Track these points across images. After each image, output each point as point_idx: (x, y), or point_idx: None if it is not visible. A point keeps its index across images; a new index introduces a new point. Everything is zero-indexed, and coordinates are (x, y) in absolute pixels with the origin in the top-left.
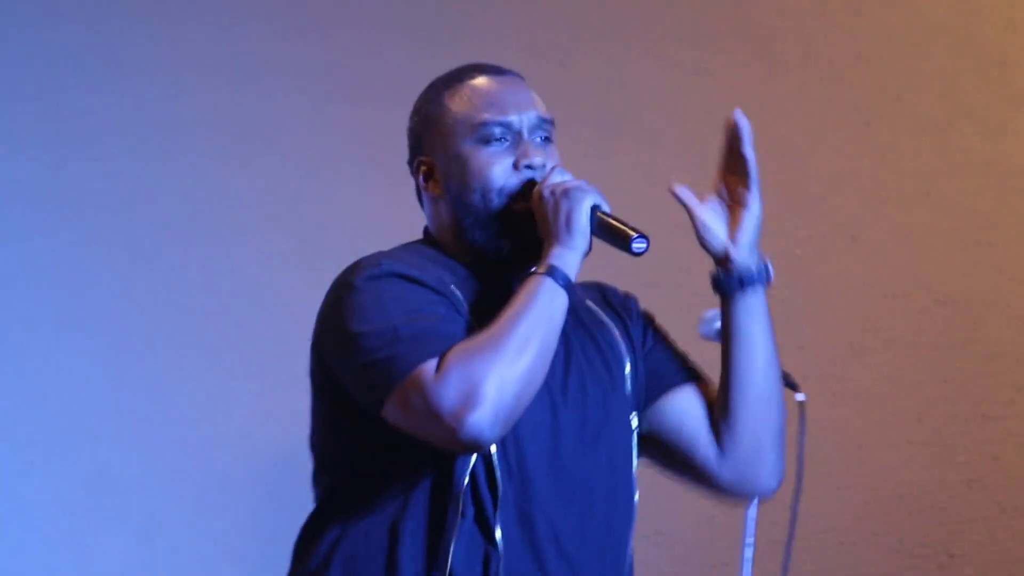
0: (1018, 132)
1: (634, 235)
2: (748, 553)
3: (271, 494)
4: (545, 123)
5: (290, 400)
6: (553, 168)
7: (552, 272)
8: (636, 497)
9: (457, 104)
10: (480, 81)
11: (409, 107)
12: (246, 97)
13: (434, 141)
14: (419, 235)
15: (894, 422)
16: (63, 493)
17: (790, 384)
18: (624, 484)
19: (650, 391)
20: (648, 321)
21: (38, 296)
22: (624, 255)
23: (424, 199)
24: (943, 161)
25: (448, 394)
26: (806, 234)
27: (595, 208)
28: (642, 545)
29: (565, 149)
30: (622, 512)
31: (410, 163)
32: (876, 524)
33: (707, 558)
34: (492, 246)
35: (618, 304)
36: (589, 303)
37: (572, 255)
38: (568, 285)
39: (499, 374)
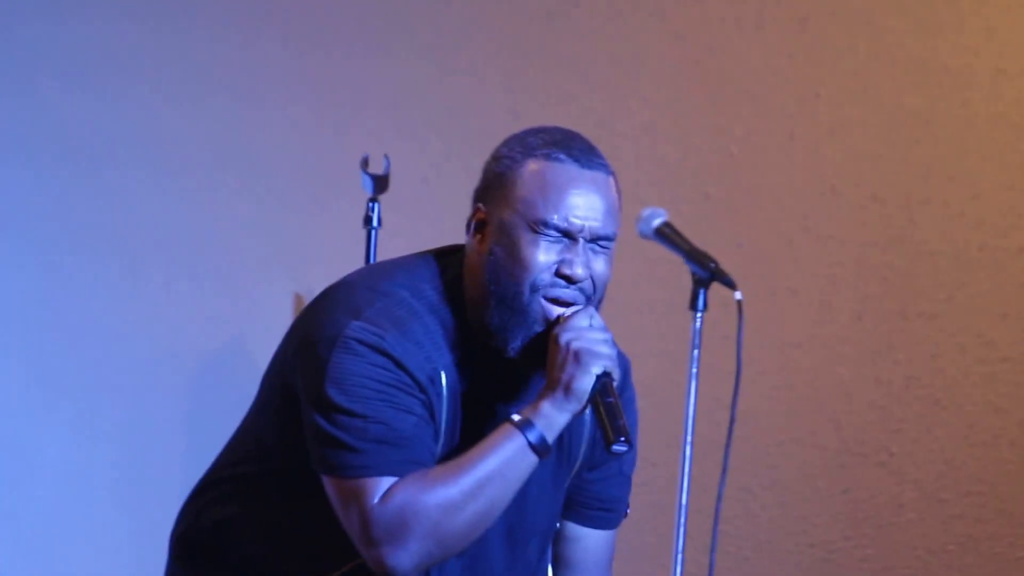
0: (952, 29)
1: (616, 438)
2: (687, 451)
3: (207, 394)
4: (604, 239)
5: (223, 307)
6: (580, 309)
7: (528, 428)
8: None
9: (531, 182)
10: (562, 170)
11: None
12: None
13: (497, 201)
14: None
15: (832, 320)
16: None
17: (727, 282)
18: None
19: (575, 500)
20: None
21: None
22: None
23: (469, 240)
24: (878, 58)
25: (380, 526)
26: (743, 132)
27: (601, 376)
28: None
29: None
30: None
31: (474, 195)
32: (815, 423)
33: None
34: (502, 336)
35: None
36: None
37: (560, 416)
38: (542, 445)
39: (434, 524)
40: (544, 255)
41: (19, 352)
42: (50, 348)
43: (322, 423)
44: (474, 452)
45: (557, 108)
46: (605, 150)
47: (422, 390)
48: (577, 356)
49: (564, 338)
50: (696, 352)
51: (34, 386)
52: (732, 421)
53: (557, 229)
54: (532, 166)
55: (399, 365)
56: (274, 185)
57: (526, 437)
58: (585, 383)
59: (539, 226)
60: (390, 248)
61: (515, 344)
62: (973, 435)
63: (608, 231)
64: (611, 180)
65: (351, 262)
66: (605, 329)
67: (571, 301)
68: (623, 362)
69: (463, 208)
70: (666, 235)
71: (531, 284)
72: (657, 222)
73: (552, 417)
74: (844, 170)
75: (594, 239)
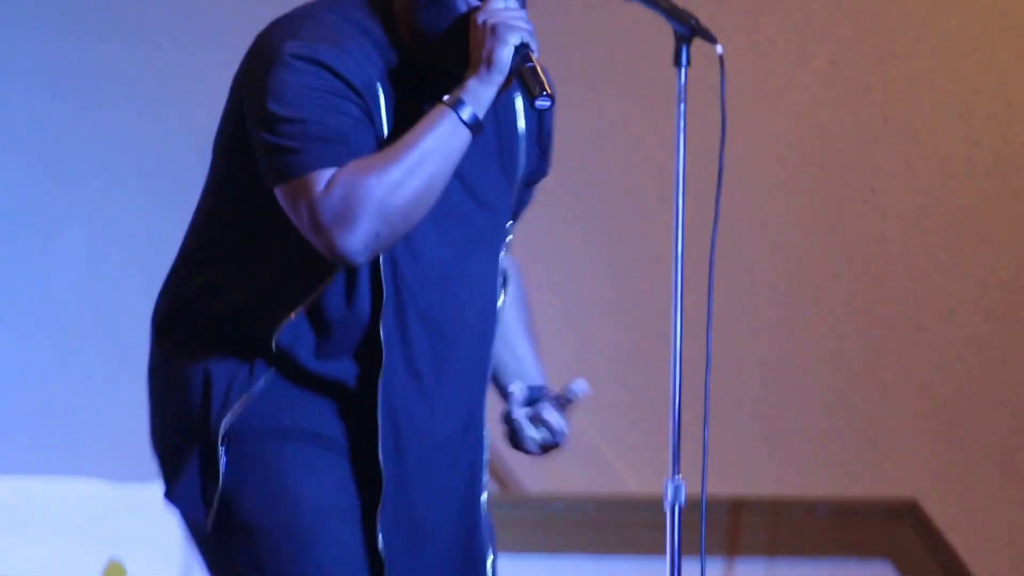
0: None
1: (540, 93)
2: (680, 201)
3: None
4: None
5: None
6: None
7: (460, 106)
8: (500, 302)
9: None
10: None
11: None
12: None
13: None
14: None
15: (809, 66)
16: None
17: (708, 37)
18: (492, 290)
19: None
20: (548, 138)
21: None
22: None
23: None
24: None
25: (328, 211)
26: None
27: (520, 48)
28: None
29: None
30: (489, 319)
31: None
32: (800, 165)
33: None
34: (431, 33)
35: (545, 116)
36: (516, 100)
37: (486, 90)
38: (474, 121)
39: (379, 201)
40: None
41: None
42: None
43: (266, 137)
44: (410, 134)
45: None
46: None
47: (359, 96)
48: (494, 30)
49: (481, 18)
50: (682, 107)
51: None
52: (721, 170)
53: None
54: None
55: (335, 74)
56: None
57: (457, 113)
58: (504, 54)
59: None
60: None
61: (443, 39)
62: (951, 166)
63: None
64: None
65: None
66: (522, 8)
67: None
68: (550, 119)
69: None
70: None
71: None
72: None
73: (479, 92)
74: None
75: None
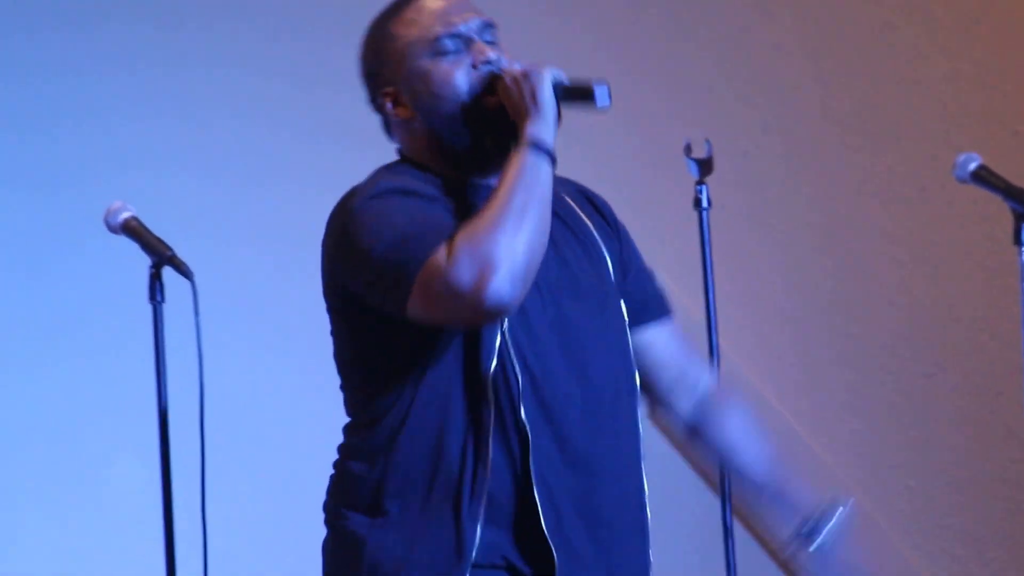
0: None
1: (596, 88)
2: None
3: None
4: (489, 27)
5: None
6: (507, 61)
7: (531, 145)
8: (637, 377)
9: (406, 29)
10: (420, 3)
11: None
12: None
13: (393, 70)
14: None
15: None
16: None
17: None
18: (626, 365)
19: (631, 314)
20: (625, 235)
21: None
22: None
23: (394, 127)
24: None
25: (464, 271)
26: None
27: (555, 81)
28: None
29: None
30: (628, 392)
31: (373, 100)
32: None
33: None
34: (474, 146)
35: (600, 205)
36: (567, 199)
37: (545, 127)
38: (549, 154)
39: (506, 242)
40: (458, 67)
41: None
42: None
43: (374, 268)
44: (499, 186)
45: (859, 68)
46: (910, 102)
47: (433, 199)
48: (525, 76)
49: (508, 78)
50: (1023, 284)
51: None
52: None
53: (450, 36)
54: (396, 22)
55: (403, 191)
56: (606, 176)
57: (531, 150)
58: (545, 89)
59: (435, 43)
60: (723, 224)
61: (488, 140)
62: None
63: (488, 18)
64: None
65: (687, 244)
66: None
67: None
68: (608, 206)
69: (786, 175)
70: (982, 177)
71: (467, 91)
72: (972, 166)
73: (540, 130)
74: None
75: (483, 29)
